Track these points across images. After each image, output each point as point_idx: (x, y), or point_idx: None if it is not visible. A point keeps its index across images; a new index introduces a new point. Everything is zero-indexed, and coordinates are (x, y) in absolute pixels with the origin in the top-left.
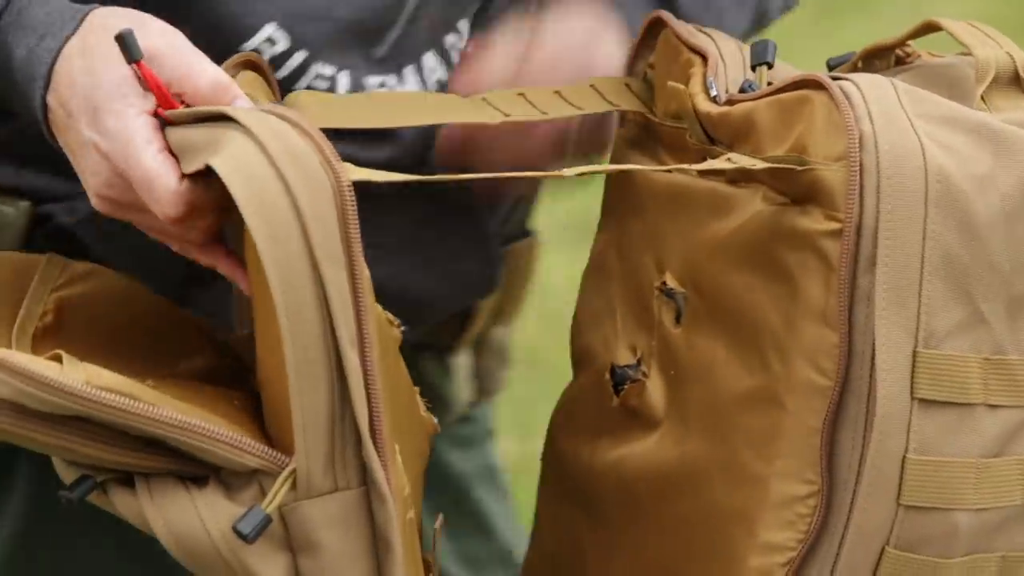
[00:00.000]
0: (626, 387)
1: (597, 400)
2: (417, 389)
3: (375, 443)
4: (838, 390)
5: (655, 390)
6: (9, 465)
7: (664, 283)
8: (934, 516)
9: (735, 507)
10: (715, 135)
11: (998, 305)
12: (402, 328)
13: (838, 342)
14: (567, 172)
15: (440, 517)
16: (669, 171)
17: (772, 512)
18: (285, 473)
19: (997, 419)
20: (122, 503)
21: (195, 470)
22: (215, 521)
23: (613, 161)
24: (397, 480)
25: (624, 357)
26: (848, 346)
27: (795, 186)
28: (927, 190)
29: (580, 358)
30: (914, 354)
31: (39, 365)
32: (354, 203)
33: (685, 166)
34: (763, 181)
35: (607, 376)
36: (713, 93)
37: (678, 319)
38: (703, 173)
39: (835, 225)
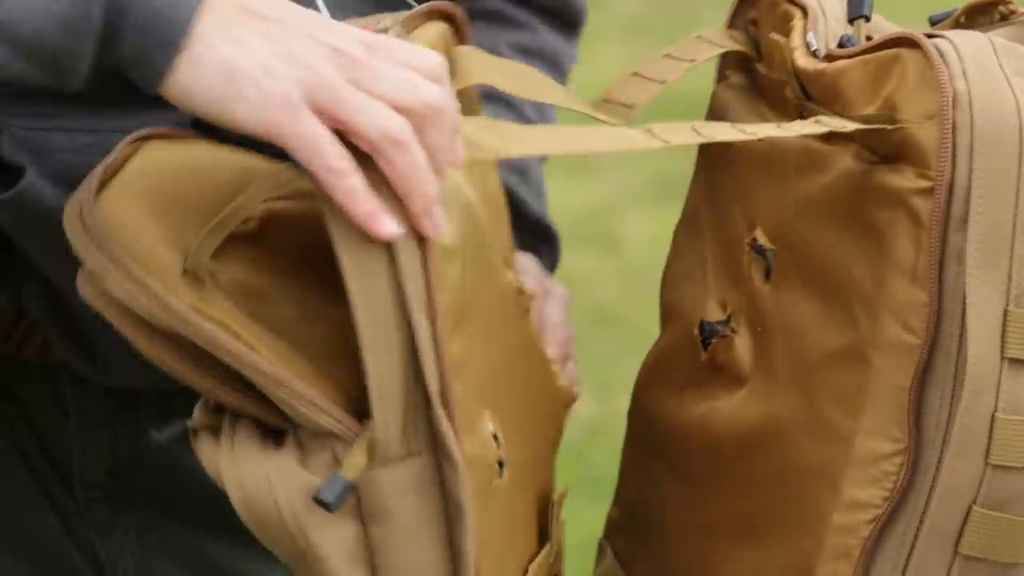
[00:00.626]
0: (714, 342)
1: (685, 356)
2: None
3: (446, 409)
4: (927, 349)
5: (743, 346)
6: None
7: (754, 239)
8: (1022, 476)
9: (820, 464)
10: (811, 92)
11: None
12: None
13: (927, 300)
14: (655, 142)
15: (562, 488)
16: (760, 140)
17: (857, 469)
18: (364, 441)
19: None
20: (205, 454)
21: (278, 421)
22: (284, 488)
23: (712, 113)
24: (476, 447)
25: (714, 312)
26: (938, 305)
27: (886, 145)
28: (1022, 149)
29: (669, 313)
30: (1005, 313)
31: (155, 278)
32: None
33: (772, 132)
34: (855, 139)
35: (696, 332)
36: (813, 47)
37: (767, 276)
38: None
39: (926, 183)
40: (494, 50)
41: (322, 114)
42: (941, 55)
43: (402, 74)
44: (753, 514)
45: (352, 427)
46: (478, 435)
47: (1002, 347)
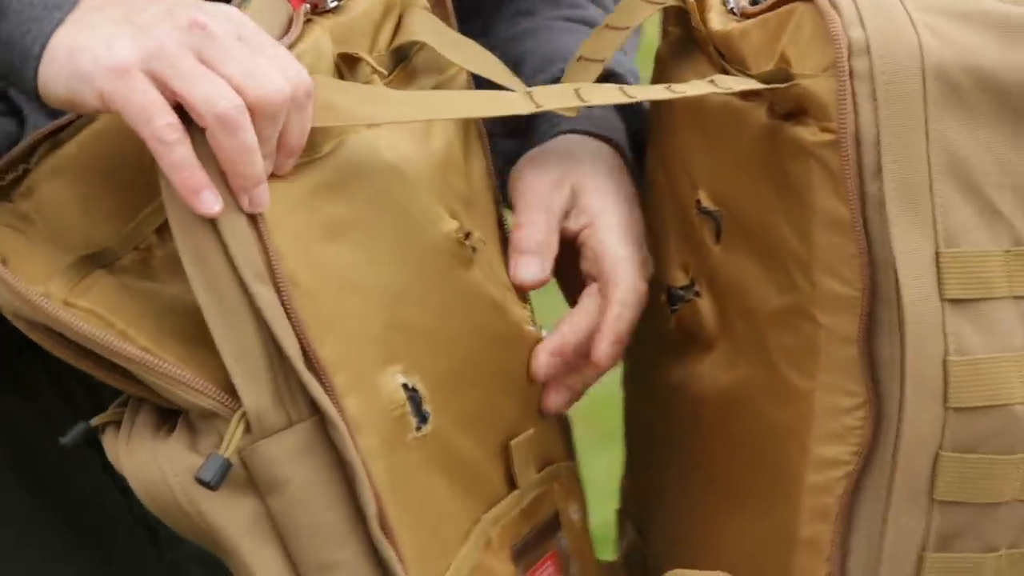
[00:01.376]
0: (679, 308)
1: (660, 323)
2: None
3: (314, 372)
4: (867, 300)
5: (707, 309)
6: None
7: (698, 201)
8: (987, 414)
9: (786, 425)
10: (723, 52)
11: (1009, 196)
12: None
13: (856, 251)
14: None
15: (527, 432)
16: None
17: (821, 427)
18: (236, 417)
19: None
20: (108, 448)
21: (170, 404)
22: (174, 472)
23: (656, 71)
24: (370, 403)
25: (678, 278)
26: (868, 254)
27: (787, 101)
28: (926, 91)
29: None
30: (937, 255)
31: (23, 273)
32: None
33: (659, 95)
34: (765, 96)
35: (664, 298)
36: (730, 5)
37: (718, 237)
38: None
39: (830, 136)
40: (540, 23)
41: (158, 83)
42: (834, 5)
43: (254, 63)
44: (737, 479)
45: (231, 405)
46: (375, 390)
47: (940, 289)
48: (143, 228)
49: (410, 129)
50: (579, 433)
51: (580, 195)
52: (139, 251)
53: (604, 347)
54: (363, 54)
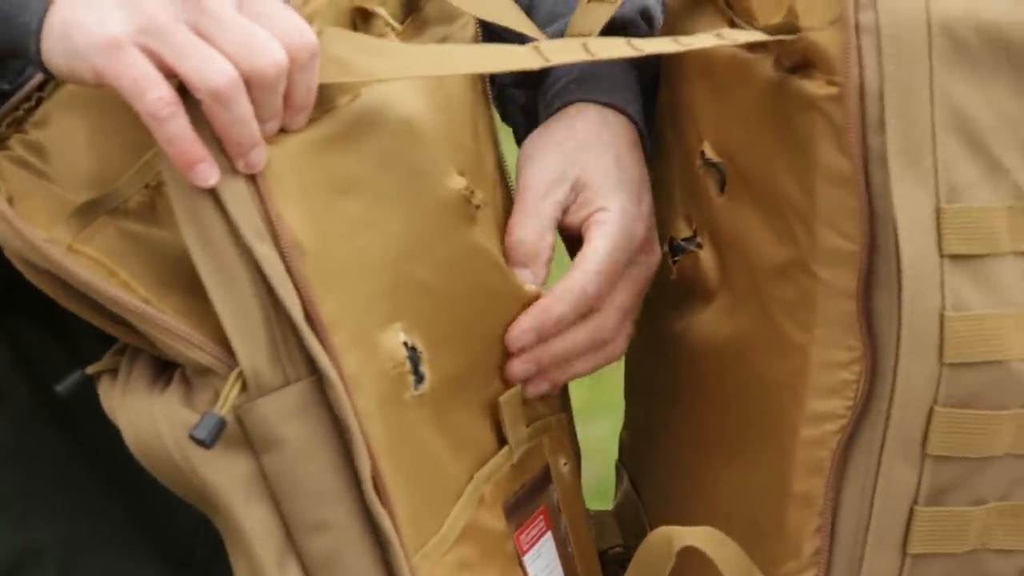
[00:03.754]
0: (680, 259)
1: (662, 275)
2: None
3: (313, 329)
4: (866, 254)
5: (708, 261)
6: None
7: (703, 152)
8: (982, 370)
9: (781, 378)
10: (731, 4)
11: (1013, 152)
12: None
13: (858, 205)
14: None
15: (513, 390)
16: (651, 56)
17: (816, 380)
18: (233, 375)
19: None
20: (104, 397)
21: (167, 356)
22: (170, 428)
23: (666, 22)
24: (369, 361)
25: (682, 229)
26: (869, 208)
27: (794, 54)
28: (931, 46)
29: None
30: (937, 211)
31: (28, 217)
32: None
33: (668, 47)
34: (771, 48)
35: (666, 248)
36: None
37: (722, 188)
38: None
39: (836, 89)
40: None
41: (152, 56)
42: None
43: (250, 33)
44: (732, 431)
45: (228, 362)
46: (374, 348)
47: (940, 245)
48: (154, 164)
49: (423, 83)
50: (587, 396)
51: (582, 190)
52: (148, 189)
53: (515, 331)
54: (377, 8)
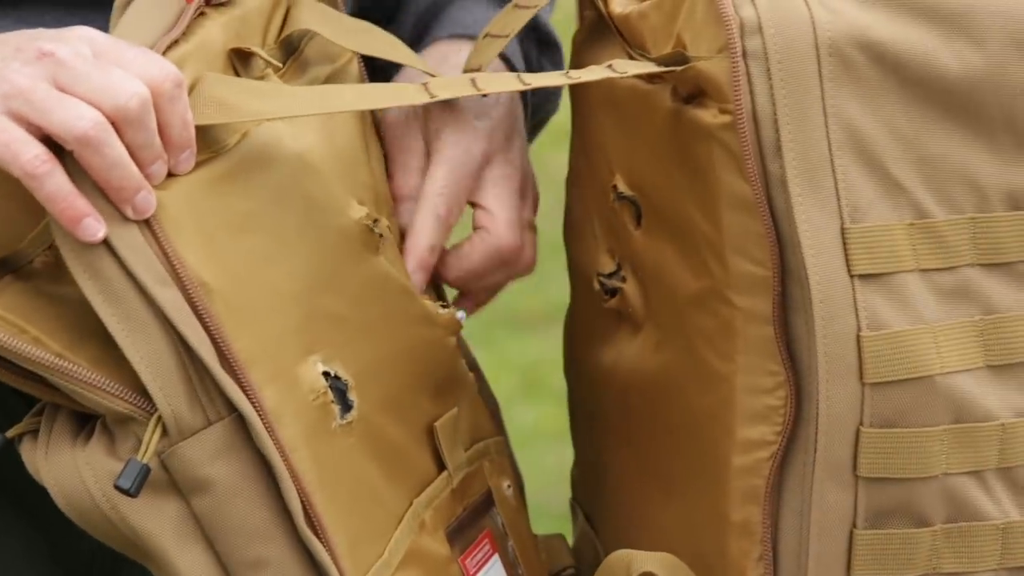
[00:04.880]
0: (607, 293)
1: (592, 307)
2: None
3: (228, 368)
4: (778, 278)
5: (633, 295)
6: None
7: (615, 186)
8: (906, 387)
9: (710, 409)
10: (625, 35)
11: (909, 170)
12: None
13: (764, 231)
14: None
15: (450, 413)
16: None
17: (743, 408)
18: (152, 421)
19: (931, 283)
20: (27, 457)
21: (86, 409)
22: (95, 480)
23: (573, 56)
24: (290, 395)
25: (606, 264)
26: (776, 233)
27: (687, 84)
28: (820, 68)
29: (573, 267)
30: (842, 231)
31: None
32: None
33: (555, 81)
34: (668, 79)
35: (596, 284)
36: None
37: (639, 221)
38: None
39: (728, 118)
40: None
41: (19, 120)
42: None
43: (106, 75)
44: (669, 464)
45: (147, 408)
46: (294, 381)
47: (848, 266)
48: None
49: (311, 121)
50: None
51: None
52: (52, 249)
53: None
54: (255, 48)
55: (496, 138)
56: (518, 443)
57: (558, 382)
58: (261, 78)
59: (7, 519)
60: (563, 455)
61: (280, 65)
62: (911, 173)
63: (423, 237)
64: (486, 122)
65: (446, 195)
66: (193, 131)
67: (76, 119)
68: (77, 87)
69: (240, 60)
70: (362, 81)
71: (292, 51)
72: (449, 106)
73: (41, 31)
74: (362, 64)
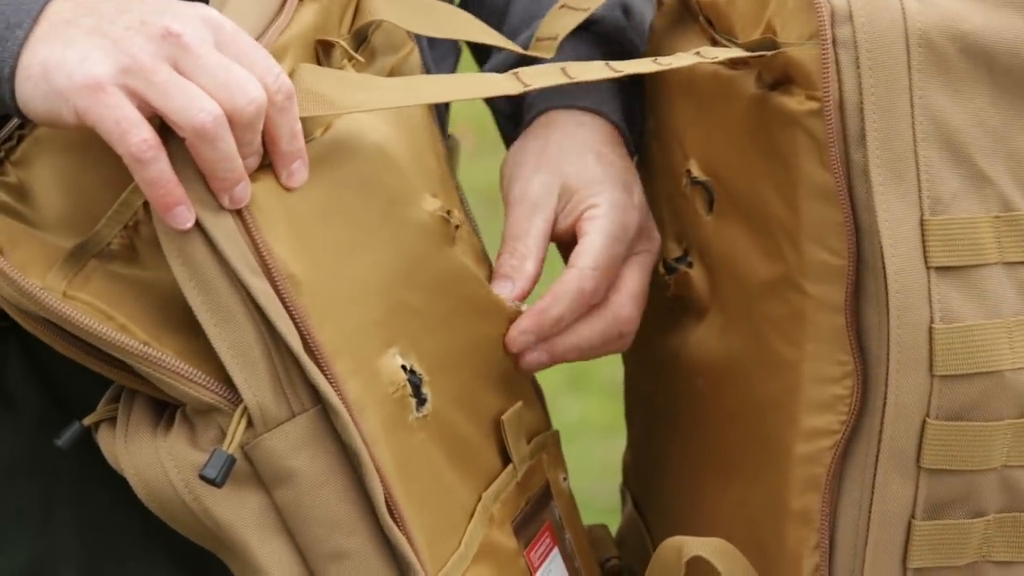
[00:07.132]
0: (674, 278)
1: (654, 293)
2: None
3: (314, 359)
4: (853, 268)
5: (699, 280)
6: None
7: (689, 171)
8: (974, 381)
9: (774, 396)
10: (711, 20)
11: (997, 162)
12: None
13: (842, 219)
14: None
15: (514, 406)
16: (624, 76)
17: (809, 396)
18: (238, 412)
19: (1016, 276)
20: (105, 446)
21: (164, 396)
22: (178, 470)
23: (650, 43)
24: (371, 387)
25: (672, 250)
26: (854, 222)
27: (774, 70)
28: (909, 58)
29: None
30: (922, 223)
31: (19, 264)
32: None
33: (647, 68)
34: (753, 65)
35: (662, 270)
36: None
37: (711, 207)
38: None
39: (815, 105)
40: None
41: (134, 97)
42: None
43: (229, 73)
44: (730, 450)
45: (232, 399)
46: (375, 374)
47: (925, 257)
48: (130, 202)
49: (385, 112)
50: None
51: (570, 197)
52: (127, 230)
53: (514, 332)
54: (339, 39)
55: (645, 213)
56: (564, 436)
57: (604, 375)
58: (340, 68)
59: (119, 498)
60: (609, 448)
61: (359, 57)
62: (999, 165)
63: (555, 308)
64: (637, 195)
65: (600, 272)
66: (303, 142)
67: (197, 111)
68: (200, 78)
69: (323, 50)
70: (424, 70)
71: (362, 41)
72: (599, 166)
73: (166, 4)
74: (421, 56)
